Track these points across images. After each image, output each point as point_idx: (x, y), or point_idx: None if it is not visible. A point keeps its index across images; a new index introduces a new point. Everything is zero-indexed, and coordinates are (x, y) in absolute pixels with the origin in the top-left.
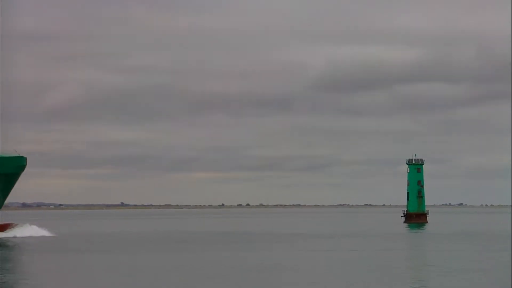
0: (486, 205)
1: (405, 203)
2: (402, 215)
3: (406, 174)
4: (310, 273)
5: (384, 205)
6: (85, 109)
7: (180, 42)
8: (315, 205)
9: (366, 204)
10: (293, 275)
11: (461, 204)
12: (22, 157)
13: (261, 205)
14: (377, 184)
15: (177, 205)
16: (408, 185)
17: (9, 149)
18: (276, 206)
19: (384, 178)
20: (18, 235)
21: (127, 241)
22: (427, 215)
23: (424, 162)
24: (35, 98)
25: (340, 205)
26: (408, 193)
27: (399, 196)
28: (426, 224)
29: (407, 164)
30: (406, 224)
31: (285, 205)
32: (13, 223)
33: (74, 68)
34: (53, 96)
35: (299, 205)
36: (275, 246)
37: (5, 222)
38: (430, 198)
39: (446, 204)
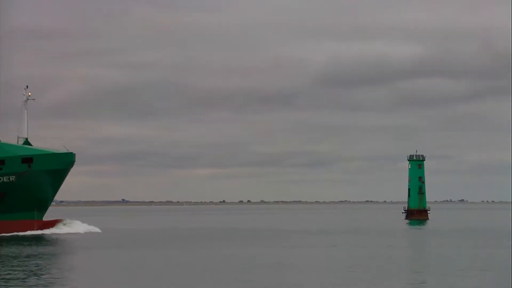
0: (487, 201)
1: (406, 200)
2: (403, 211)
3: (407, 170)
4: (310, 270)
5: (385, 201)
6: (86, 106)
7: (182, 39)
8: (316, 202)
9: (367, 201)
10: (294, 272)
11: (462, 200)
12: (71, 153)
13: (262, 202)
14: (378, 180)
15: (178, 201)
16: (409, 181)
17: (59, 146)
18: (277, 202)
19: (385, 174)
20: (68, 231)
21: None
22: (428, 212)
23: (425, 158)
24: (36, 95)
25: (341, 201)
26: (409, 189)
27: (400, 193)
28: (427, 220)
29: (408, 160)
30: (407, 220)
31: (286, 202)
32: (62, 219)
33: (75, 65)
34: (54, 93)
35: (300, 201)
36: (277, 243)
37: (55, 218)
38: (431, 194)
39: (447, 201)
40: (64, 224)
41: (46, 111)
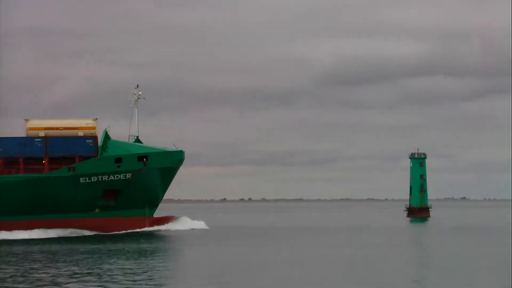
0: (489, 199)
1: (408, 198)
2: (405, 209)
3: (409, 168)
4: (310, 268)
5: (386, 199)
6: (88, 104)
7: (184, 37)
8: (317, 199)
9: (369, 199)
10: (295, 271)
11: (464, 198)
12: (181, 151)
13: (263, 200)
14: (380, 178)
15: (179, 199)
16: (411, 179)
17: (168, 144)
18: (278, 200)
19: (387, 172)
20: (179, 227)
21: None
22: (429, 209)
23: (427, 156)
24: (39, 94)
25: (343, 199)
26: (410, 187)
27: (402, 191)
28: (428, 218)
29: (409, 158)
30: (408, 218)
31: (287, 200)
32: (173, 216)
33: (78, 63)
34: (56, 92)
35: (302, 199)
36: (279, 242)
37: (166, 215)
38: (432, 192)
39: (448, 198)
40: (176, 221)
41: (49, 110)
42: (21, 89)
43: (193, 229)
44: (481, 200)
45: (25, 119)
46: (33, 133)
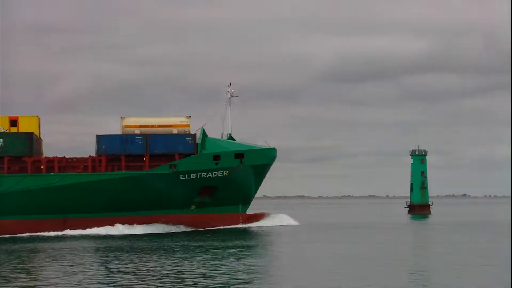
0: (490, 195)
1: (409, 194)
2: (406, 206)
3: (410, 165)
4: (311, 266)
5: (387, 196)
6: (91, 101)
7: (187, 34)
8: (318, 197)
9: (370, 196)
10: (294, 269)
11: (464, 195)
12: (274, 148)
13: (265, 197)
14: (381, 175)
15: None
16: (412, 176)
17: (261, 141)
18: (279, 197)
19: (388, 169)
20: (273, 224)
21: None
22: (430, 206)
23: (428, 153)
24: (42, 90)
25: (344, 196)
26: (411, 184)
27: (403, 187)
28: (429, 215)
29: (410, 155)
30: (409, 215)
31: (288, 197)
32: (266, 212)
33: (81, 59)
34: (59, 88)
35: (303, 196)
36: (279, 240)
37: (258, 212)
38: (433, 189)
39: (449, 195)
40: (269, 218)
41: (51, 106)
42: (25, 85)
43: (284, 225)
44: (482, 197)
45: (121, 117)
46: (129, 130)
